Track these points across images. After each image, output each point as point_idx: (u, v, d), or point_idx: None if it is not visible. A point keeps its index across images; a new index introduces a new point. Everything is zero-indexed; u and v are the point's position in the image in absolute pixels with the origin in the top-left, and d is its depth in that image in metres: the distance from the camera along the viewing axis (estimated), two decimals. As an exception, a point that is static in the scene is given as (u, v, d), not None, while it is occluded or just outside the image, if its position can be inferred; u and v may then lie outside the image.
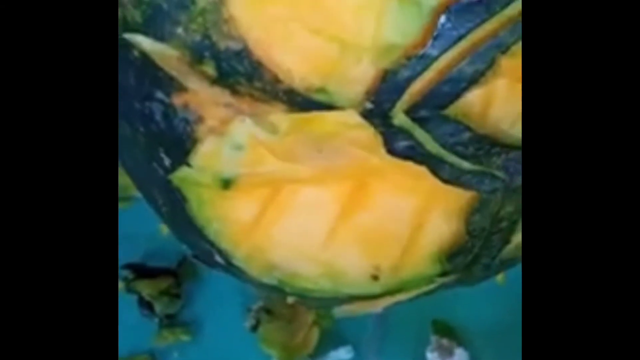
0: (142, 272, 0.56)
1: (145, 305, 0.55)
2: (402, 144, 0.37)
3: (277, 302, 0.53)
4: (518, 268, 0.45)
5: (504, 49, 0.36)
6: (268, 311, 0.54)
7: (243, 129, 0.38)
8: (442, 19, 0.35)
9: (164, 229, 0.57)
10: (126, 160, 0.43)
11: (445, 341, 0.53)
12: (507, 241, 0.42)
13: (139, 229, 0.57)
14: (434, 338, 0.53)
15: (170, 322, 0.56)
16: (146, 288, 0.55)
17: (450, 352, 0.52)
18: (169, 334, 0.55)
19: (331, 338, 0.53)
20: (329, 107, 0.37)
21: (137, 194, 0.57)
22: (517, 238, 0.42)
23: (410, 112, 0.36)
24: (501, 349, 0.53)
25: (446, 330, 0.53)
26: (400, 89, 0.36)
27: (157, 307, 0.55)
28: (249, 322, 0.54)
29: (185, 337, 0.56)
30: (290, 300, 0.46)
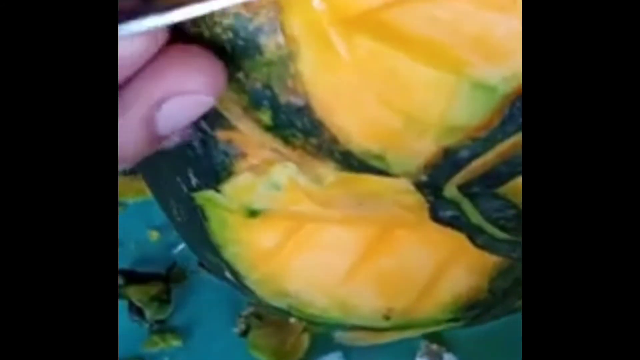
0: (132, 277, 0.56)
1: (136, 310, 0.55)
2: (447, 212, 0.38)
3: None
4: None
5: (563, 139, 0.36)
6: (258, 317, 0.54)
7: (285, 172, 0.38)
8: (512, 106, 0.35)
9: (154, 235, 0.56)
10: (144, 163, 0.42)
11: (434, 346, 0.54)
12: (520, 297, 0.42)
13: (129, 235, 0.56)
14: (423, 343, 0.54)
15: (160, 327, 0.55)
16: (136, 294, 0.55)
17: (440, 358, 0.54)
18: (159, 339, 0.55)
19: (321, 344, 0.53)
20: (383, 173, 0.36)
21: (127, 200, 0.56)
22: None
23: (462, 187, 0.36)
24: (490, 355, 0.54)
25: (435, 336, 0.54)
26: (458, 166, 0.36)
27: (147, 313, 0.55)
28: (239, 328, 0.54)
29: (175, 343, 0.55)
30: (292, 320, 0.46)
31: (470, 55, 0.34)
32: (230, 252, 0.41)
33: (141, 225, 0.55)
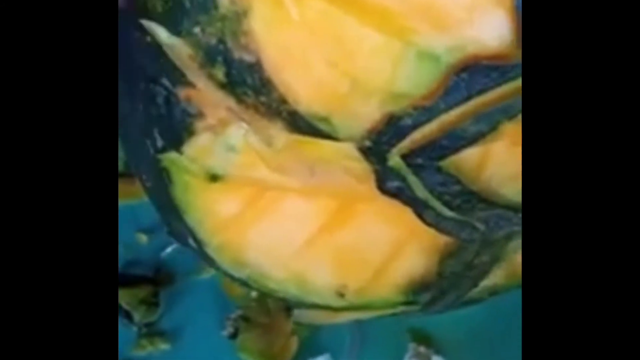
0: (121, 280, 0.56)
1: (124, 314, 0.55)
2: (393, 184, 0.38)
3: (256, 310, 0.54)
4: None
5: (509, 115, 0.36)
6: (247, 319, 0.53)
7: (239, 133, 0.38)
8: (456, 77, 0.35)
9: (143, 238, 0.57)
10: (121, 132, 0.44)
11: (422, 349, 0.53)
12: (475, 285, 0.42)
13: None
14: (411, 345, 0.53)
15: (148, 330, 0.55)
16: (125, 297, 0.55)
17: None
18: (148, 342, 0.55)
19: (310, 346, 0.53)
20: (328, 136, 0.37)
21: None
22: (485, 282, 0.43)
23: (406, 157, 0.37)
24: (479, 357, 0.53)
25: (423, 338, 0.53)
26: (401, 135, 0.36)
27: (136, 316, 0.55)
28: (227, 331, 0.54)
29: (164, 346, 0.55)
30: (253, 294, 0.46)
31: (417, 24, 0.35)
32: (193, 218, 0.42)
33: (130, 228, 0.56)
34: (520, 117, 0.36)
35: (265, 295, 0.44)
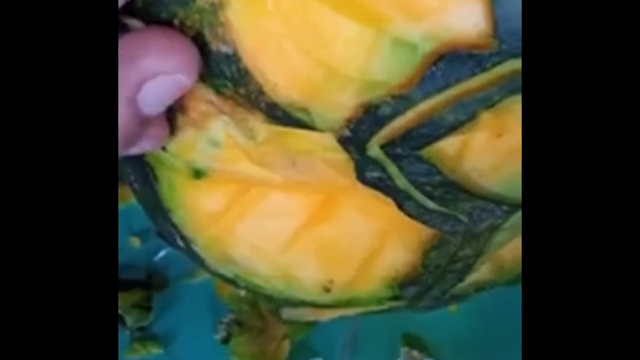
0: None
1: None
2: (373, 174, 0.38)
3: (249, 314, 0.54)
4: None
5: (488, 104, 0.36)
6: (239, 323, 0.54)
7: (221, 127, 0.38)
8: (433, 66, 0.35)
9: (135, 242, 0.57)
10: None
11: (415, 353, 0.53)
12: (460, 279, 0.42)
13: (110, 241, 0.57)
14: (403, 350, 0.53)
15: (141, 335, 0.56)
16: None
17: (421, 364, 0.53)
18: (140, 347, 0.55)
19: (302, 350, 0.54)
20: (307, 126, 0.37)
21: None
22: (470, 277, 0.43)
23: (385, 147, 0.37)
24: (471, 360, 0.53)
25: (416, 342, 0.53)
26: (380, 124, 0.36)
27: (128, 320, 0.55)
28: (219, 335, 0.54)
29: (156, 350, 0.56)
30: (242, 293, 0.46)
31: (393, 12, 0.35)
32: (179, 216, 0.42)
33: (123, 232, 0.56)
34: (498, 107, 0.36)
35: (254, 295, 0.44)
